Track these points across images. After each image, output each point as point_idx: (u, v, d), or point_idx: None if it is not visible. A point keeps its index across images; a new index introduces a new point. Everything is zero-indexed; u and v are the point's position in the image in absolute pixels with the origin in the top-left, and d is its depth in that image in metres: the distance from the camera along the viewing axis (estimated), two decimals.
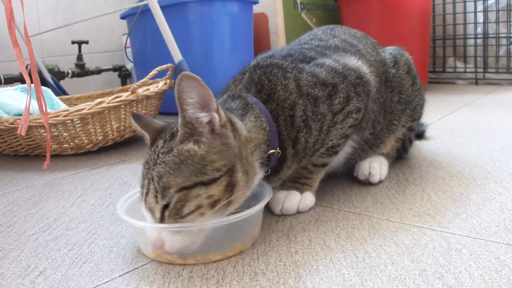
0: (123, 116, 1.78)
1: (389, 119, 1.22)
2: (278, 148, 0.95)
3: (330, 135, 1.03)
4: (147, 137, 0.91)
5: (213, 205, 0.80)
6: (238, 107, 0.93)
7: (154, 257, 0.87)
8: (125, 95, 1.73)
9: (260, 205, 0.88)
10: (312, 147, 1.01)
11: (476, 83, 3.28)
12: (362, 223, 0.96)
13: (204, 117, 0.80)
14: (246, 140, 0.88)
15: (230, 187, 0.82)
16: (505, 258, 0.77)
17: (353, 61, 1.09)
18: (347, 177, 1.25)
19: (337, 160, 1.16)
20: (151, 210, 0.82)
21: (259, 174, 0.93)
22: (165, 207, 0.80)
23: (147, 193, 0.81)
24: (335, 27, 1.30)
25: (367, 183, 1.19)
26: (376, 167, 1.19)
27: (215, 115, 0.81)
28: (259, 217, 0.93)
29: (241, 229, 0.88)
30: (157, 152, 0.83)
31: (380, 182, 1.20)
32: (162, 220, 0.80)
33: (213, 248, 0.85)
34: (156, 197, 0.80)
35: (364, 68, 1.10)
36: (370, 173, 1.18)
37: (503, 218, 0.94)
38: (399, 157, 1.37)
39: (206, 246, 0.84)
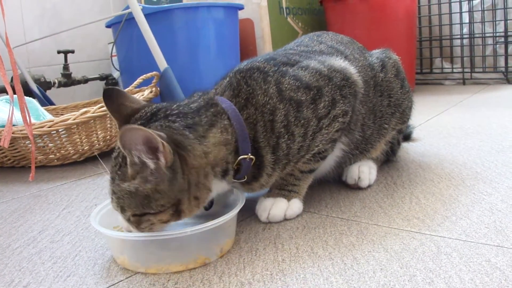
0: (109, 125, 1.77)
1: (379, 123, 1.21)
2: (250, 154, 0.93)
3: (315, 140, 1.00)
4: (115, 121, 0.93)
5: (165, 222, 0.86)
6: (204, 121, 0.90)
7: (120, 264, 0.89)
8: None
9: (222, 219, 0.86)
10: (296, 153, 0.99)
11: (464, 83, 3.29)
12: (350, 228, 0.94)
13: (150, 161, 0.80)
14: (197, 168, 0.86)
15: (177, 213, 0.85)
16: (496, 261, 0.76)
17: (339, 62, 1.08)
18: (335, 182, 1.24)
19: (327, 165, 1.15)
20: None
21: (222, 184, 0.92)
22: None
23: (112, 199, 0.87)
24: (321, 33, 1.28)
25: (356, 187, 1.18)
26: (365, 171, 1.18)
27: (162, 159, 0.80)
28: (227, 229, 0.91)
29: (204, 242, 0.87)
30: (116, 169, 0.86)
31: (369, 186, 1.18)
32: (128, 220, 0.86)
33: (174, 259, 0.85)
34: (116, 206, 0.86)
35: (351, 69, 1.08)
36: (359, 178, 1.16)
37: (493, 219, 0.93)
38: (388, 160, 1.36)
39: (168, 257, 0.85)
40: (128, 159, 0.80)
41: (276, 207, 1.02)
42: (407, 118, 1.30)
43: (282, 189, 1.05)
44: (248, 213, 1.07)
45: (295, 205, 1.04)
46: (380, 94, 1.21)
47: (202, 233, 0.84)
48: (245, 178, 0.95)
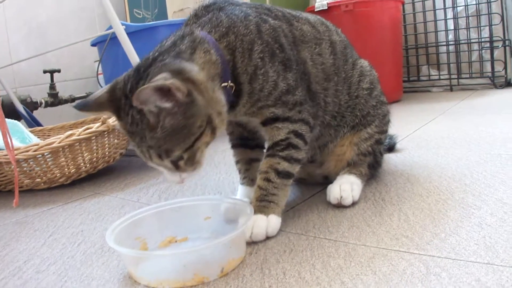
0: (95, 147, 1.75)
1: (355, 101, 1.25)
2: (230, 82, 0.99)
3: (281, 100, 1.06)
4: (110, 114, 0.97)
5: (207, 144, 0.96)
6: (186, 47, 0.96)
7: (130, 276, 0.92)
8: (95, 126, 1.70)
9: (218, 241, 0.89)
10: (266, 95, 1.04)
11: (451, 90, 3.31)
12: (338, 250, 0.93)
13: (167, 103, 0.86)
14: (204, 83, 0.93)
15: (213, 130, 0.94)
16: (486, 280, 0.75)
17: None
18: (322, 201, 1.22)
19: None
20: (160, 166, 0.95)
21: (220, 90, 0.98)
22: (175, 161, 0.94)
23: (150, 157, 0.93)
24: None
25: (340, 206, 1.16)
26: (347, 189, 1.16)
27: (178, 94, 0.86)
28: (226, 247, 0.91)
29: (202, 260, 0.88)
30: (139, 127, 0.90)
31: (354, 203, 1.17)
32: (177, 167, 0.95)
33: (171, 275, 0.87)
34: (160, 157, 0.92)
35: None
36: (341, 197, 1.15)
37: (483, 235, 0.92)
38: (374, 174, 1.35)
39: (164, 273, 0.88)
40: (145, 111, 0.87)
41: (257, 226, 1.02)
42: (386, 128, 1.32)
43: (262, 200, 1.06)
44: None
45: (273, 221, 1.04)
46: (360, 74, 1.27)
47: (198, 251, 0.89)
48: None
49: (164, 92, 0.85)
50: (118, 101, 0.93)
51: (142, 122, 0.89)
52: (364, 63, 1.31)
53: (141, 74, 0.91)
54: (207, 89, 0.93)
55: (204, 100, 0.91)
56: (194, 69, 0.92)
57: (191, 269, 0.87)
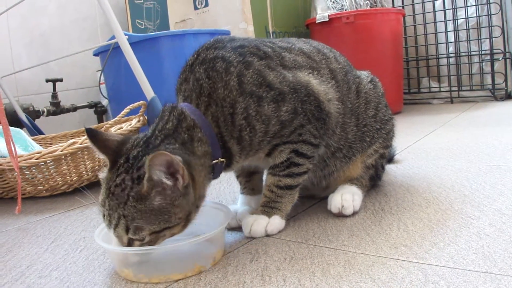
0: (97, 156, 1.76)
1: (362, 130, 1.24)
2: (221, 158, 1.01)
3: (280, 148, 1.09)
4: (106, 159, 0.96)
5: (171, 236, 0.94)
6: (186, 138, 0.97)
7: (124, 277, 0.96)
8: None
9: (215, 231, 0.96)
10: (257, 145, 1.06)
11: (452, 102, 3.32)
12: (338, 258, 0.94)
13: (168, 181, 0.88)
14: (199, 183, 0.95)
15: (185, 224, 0.94)
16: None
17: (305, 76, 1.11)
18: (323, 210, 1.23)
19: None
20: (119, 238, 0.91)
21: (207, 186, 1.01)
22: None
23: (116, 225, 0.89)
24: (309, 40, 1.29)
25: (341, 215, 1.17)
26: (348, 199, 1.17)
27: (180, 179, 0.89)
28: (218, 239, 1.00)
29: (199, 252, 0.98)
30: (126, 191, 0.89)
31: (355, 213, 1.18)
32: (129, 244, 0.91)
33: (174, 269, 0.94)
34: (127, 231, 0.89)
35: (314, 81, 1.11)
36: (343, 206, 1.16)
37: (481, 244, 0.93)
38: (374, 185, 1.36)
39: (168, 267, 0.95)
40: (146, 176, 0.86)
41: (257, 223, 1.09)
42: (390, 143, 1.33)
43: (265, 206, 1.12)
44: (236, 245, 1.07)
45: (275, 221, 1.10)
46: (365, 102, 1.25)
47: (198, 244, 0.96)
48: (219, 176, 1.05)
49: (173, 170, 0.87)
50: (119, 157, 0.93)
51: (132, 189, 0.88)
52: (367, 86, 1.28)
53: (149, 150, 0.92)
54: (200, 187, 0.95)
55: (194, 197, 0.93)
56: (197, 167, 0.94)
57: (191, 259, 0.95)
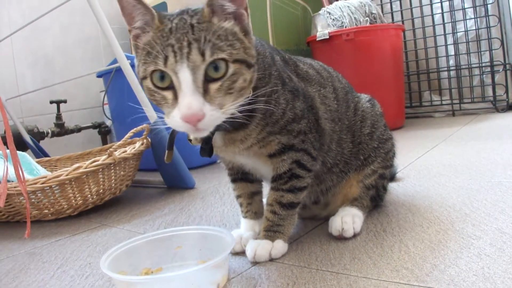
0: (101, 179, 1.78)
1: (358, 147, 1.28)
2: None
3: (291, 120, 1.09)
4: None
5: (241, 90, 0.90)
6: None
7: None
8: (102, 159, 1.73)
9: (221, 256, 0.97)
10: (274, 122, 1.06)
11: (453, 115, 3.33)
12: (340, 283, 0.95)
13: (228, 7, 0.88)
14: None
15: (252, 80, 0.93)
16: None
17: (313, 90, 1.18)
18: (325, 233, 1.24)
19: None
20: (193, 70, 0.84)
21: None
22: (208, 81, 0.85)
23: (189, 52, 0.83)
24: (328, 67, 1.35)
25: (342, 238, 1.18)
26: (348, 221, 1.19)
27: (244, 12, 0.90)
28: (222, 265, 1.01)
29: (203, 278, 0.97)
30: (188, 21, 0.87)
31: (356, 235, 1.19)
32: (207, 90, 0.85)
33: None
34: (203, 54, 0.83)
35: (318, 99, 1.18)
36: (343, 229, 1.17)
37: (481, 265, 0.93)
38: (376, 205, 1.37)
39: None
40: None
41: (261, 248, 1.10)
42: (390, 163, 1.34)
43: (268, 231, 1.13)
44: (239, 270, 1.07)
45: (279, 245, 1.12)
46: (361, 119, 1.29)
47: (204, 269, 0.95)
48: None
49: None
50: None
51: (192, 17, 0.88)
52: (364, 104, 1.33)
53: None
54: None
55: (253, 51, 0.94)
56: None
57: (196, 287, 0.95)
